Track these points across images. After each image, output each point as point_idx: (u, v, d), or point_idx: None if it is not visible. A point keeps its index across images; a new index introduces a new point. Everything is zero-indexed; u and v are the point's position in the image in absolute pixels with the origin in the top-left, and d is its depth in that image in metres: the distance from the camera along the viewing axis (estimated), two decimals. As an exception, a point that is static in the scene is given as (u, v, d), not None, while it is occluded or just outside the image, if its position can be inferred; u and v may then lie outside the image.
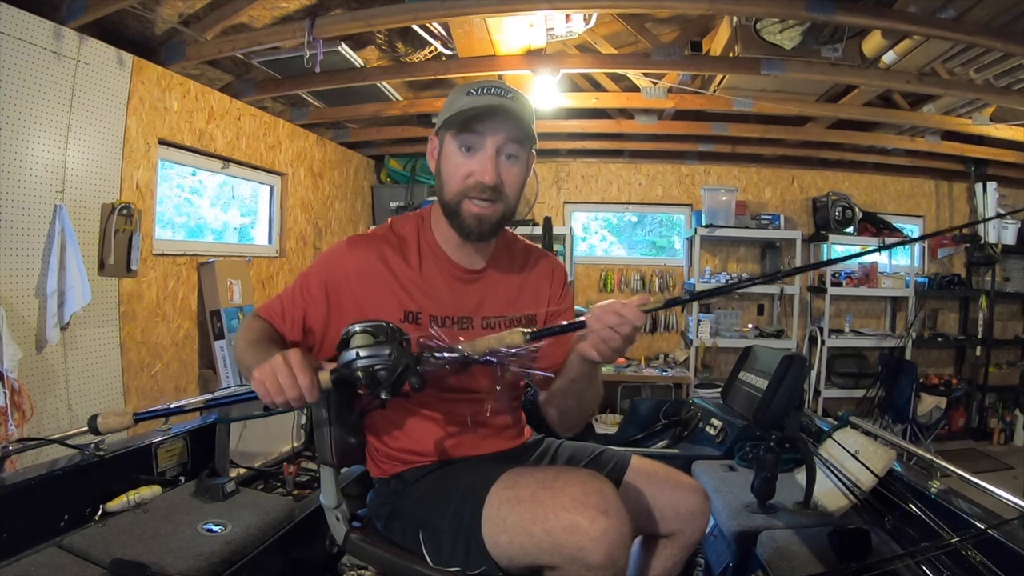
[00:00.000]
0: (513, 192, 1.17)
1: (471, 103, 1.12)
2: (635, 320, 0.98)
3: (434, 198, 1.26)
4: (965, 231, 5.20)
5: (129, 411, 1.02)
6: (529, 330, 1.01)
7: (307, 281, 1.18)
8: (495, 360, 1.00)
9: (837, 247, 5.06)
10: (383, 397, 0.92)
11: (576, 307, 1.43)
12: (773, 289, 5.02)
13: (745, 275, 5.13)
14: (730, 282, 4.99)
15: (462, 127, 1.13)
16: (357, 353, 0.92)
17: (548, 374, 1.08)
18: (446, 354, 0.98)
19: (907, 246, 5.22)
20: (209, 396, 1.19)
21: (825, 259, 5.09)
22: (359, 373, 0.91)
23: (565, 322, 1.03)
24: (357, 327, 0.95)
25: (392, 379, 0.91)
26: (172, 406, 1.17)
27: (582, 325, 1.01)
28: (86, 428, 1.68)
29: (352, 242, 1.21)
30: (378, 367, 0.91)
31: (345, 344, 0.94)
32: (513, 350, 1.00)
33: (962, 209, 5.44)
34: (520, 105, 1.15)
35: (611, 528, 0.93)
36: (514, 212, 1.21)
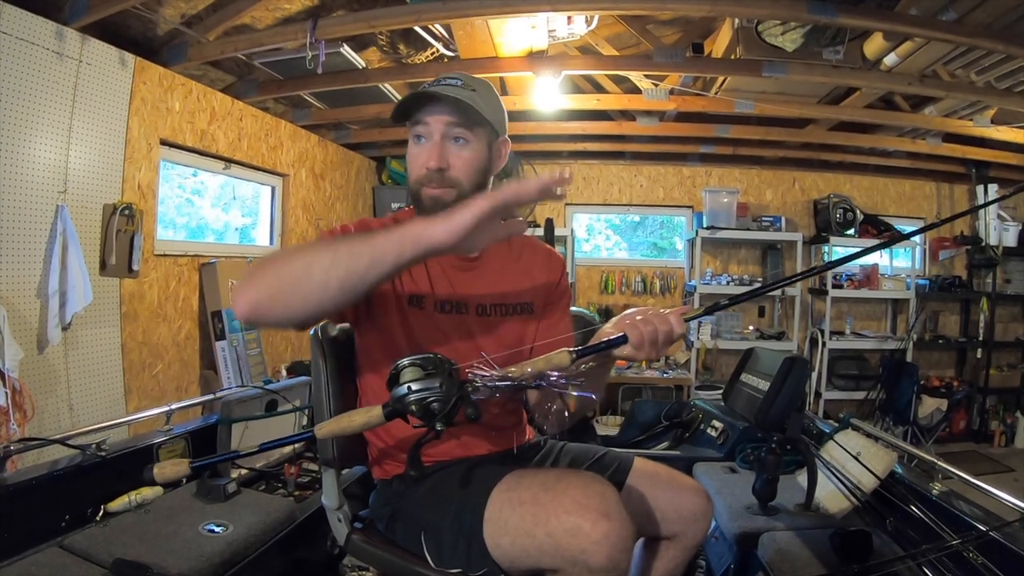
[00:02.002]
0: (465, 175, 1.15)
1: (412, 93, 1.13)
2: (676, 328, 1.00)
3: None
4: (966, 233, 5.21)
5: (185, 460, 0.96)
6: (574, 350, 1.00)
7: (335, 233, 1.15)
8: (545, 384, 0.98)
9: (838, 249, 5.07)
10: (438, 428, 0.91)
11: (578, 308, 1.43)
12: (774, 291, 5.02)
13: (747, 276, 5.12)
14: (731, 283, 5.01)
15: (409, 118, 1.15)
16: (409, 388, 0.91)
17: (591, 395, 1.07)
18: (498, 382, 0.97)
19: (908, 248, 5.22)
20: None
21: (827, 261, 5.09)
22: (413, 407, 0.91)
23: (606, 339, 1.02)
24: (405, 361, 0.94)
25: (446, 410, 0.91)
26: (234, 452, 1.04)
27: (623, 339, 1.00)
28: (87, 428, 1.70)
29: (370, 221, 1.22)
30: (431, 400, 0.91)
31: (395, 379, 0.94)
32: (555, 375, 0.99)
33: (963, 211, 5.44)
34: (469, 91, 1.14)
35: (612, 531, 0.93)
36: (472, 195, 1.19)
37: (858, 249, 1.42)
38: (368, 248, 0.88)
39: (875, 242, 5.02)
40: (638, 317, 1.01)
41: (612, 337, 1.01)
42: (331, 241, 0.93)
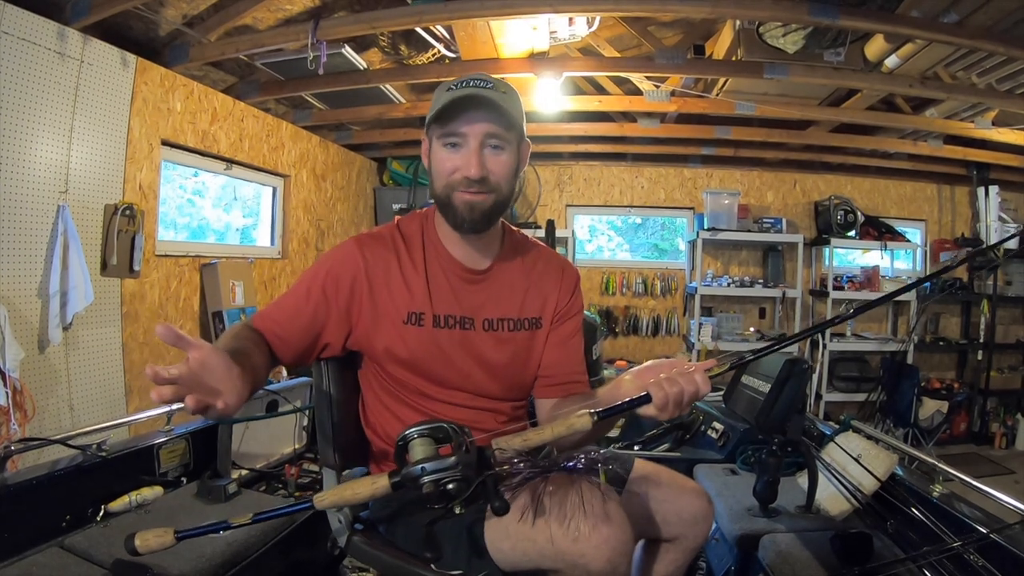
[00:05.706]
0: (503, 181, 1.14)
1: (449, 97, 1.09)
2: (702, 388, 0.94)
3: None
4: (966, 234, 5.20)
5: (170, 529, 0.88)
6: (596, 411, 0.92)
7: (313, 283, 1.15)
8: (573, 465, 0.94)
9: (839, 251, 5.05)
10: (457, 512, 0.85)
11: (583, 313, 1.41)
12: (775, 292, 5.02)
13: (748, 278, 5.12)
14: (732, 285, 5.01)
15: (443, 123, 1.10)
16: (423, 469, 0.84)
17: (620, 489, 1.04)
18: (522, 466, 0.91)
19: (909, 250, 5.21)
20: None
21: (827, 264, 5.09)
22: (426, 490, 0.84)
23: (628, 400, 0.94)
24: (415, 432, 0.87)
25: (466, 493, 0.84)
26: (223, 523, 0.93)
27: (647, 399, 0.94)
28: (88, 428, 1.70)
29: (361, 242, 1.19)
30: (446, 480, 0.83)
31: (404, 452, 0.88)
32: (585, 457, 0.96)
33: (964, 213, 5.44)
34: (501, 93, 1.11)
35: (612, 536, 0.93)
36: (508, 202, 1.18)
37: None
38: None
39: (874, 243, 5.02)
40: (662, 375, 0.95)
41: (635, 397, 0.95)
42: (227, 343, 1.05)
